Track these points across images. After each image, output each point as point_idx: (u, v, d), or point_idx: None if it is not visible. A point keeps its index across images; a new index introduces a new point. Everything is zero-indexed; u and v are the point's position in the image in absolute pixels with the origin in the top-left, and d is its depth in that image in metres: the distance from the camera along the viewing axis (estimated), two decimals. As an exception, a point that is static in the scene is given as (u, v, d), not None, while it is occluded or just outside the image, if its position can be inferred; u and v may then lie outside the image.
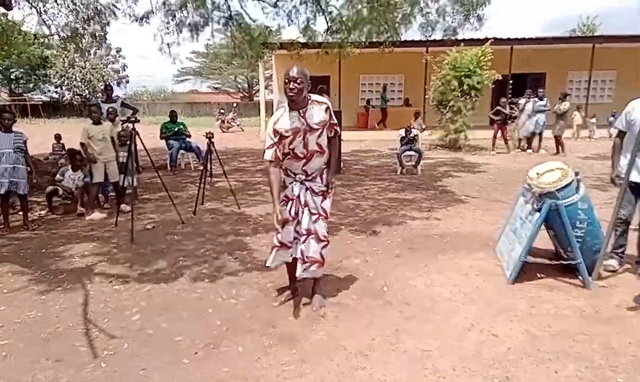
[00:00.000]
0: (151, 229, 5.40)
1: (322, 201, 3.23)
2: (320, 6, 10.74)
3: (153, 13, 10.21)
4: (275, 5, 10.27)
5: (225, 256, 4.50)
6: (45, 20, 9.48)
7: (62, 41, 10.18)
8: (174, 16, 10.08)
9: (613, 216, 3.72)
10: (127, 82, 39.65)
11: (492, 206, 6.31)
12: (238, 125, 21.82)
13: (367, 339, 2.95)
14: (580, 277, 3.70)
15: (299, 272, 3.21)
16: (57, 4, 8.80)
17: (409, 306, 3.39)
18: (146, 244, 4.87)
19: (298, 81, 2.95)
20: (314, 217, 3.20)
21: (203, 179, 6.48)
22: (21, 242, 4.98)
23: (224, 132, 20.39)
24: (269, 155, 3.10)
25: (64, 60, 30.67)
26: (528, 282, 3.75)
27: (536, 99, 11.75)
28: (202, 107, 35.00)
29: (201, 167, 9.46)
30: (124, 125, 7.19)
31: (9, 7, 8.00)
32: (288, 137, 3.06)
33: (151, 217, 5.94)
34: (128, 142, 5.90)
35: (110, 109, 7.63)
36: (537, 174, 3.92)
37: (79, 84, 32.20)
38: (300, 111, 3.05)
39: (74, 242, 4.94)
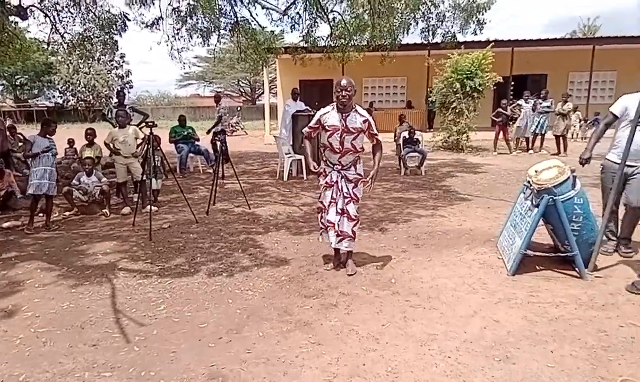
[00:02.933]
0: (167, 228, 5.65)
1: (353, 187, 3.98)
2: (323, 11, 11.01)
3: (162, 19, 10.50)
4: (285, 13, 10.53)
5: (239, 252, 4.74)
6: (58, 28, 9.75)
7: (69, 48, 10.44)
8: (185, 22, 10.34)
9: (608, 207, 3.98)
10: (131, 87, 40.06)
11: (494, 204, 6.54)
12: (242, 129, 22.11)
13: (377, 324, 3.19)
14: (576, 268, 3.92)
15: (334, 243, 4.02)
16: (72, 13, 9.07)
17: (416, 296, 3.63)
18: (164, 242, 5.12)
19: (349, 89, 3.71)
20: (347, 200, 3.96)
21: (215, 180, 6.72)
22: (45, 241, 5.24)
23: (228, 135, 20.65)
24: (305, 131, 4.04)
25: (68, 66, 31.03)
26: (527, 273, 3.97)
27: (540, 100, 11.97)
28: (206, 111, 35.29)
29: (210, 170, 9.82)
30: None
31: (24, 17, 8.28)
32: (329, 131, 3.84)
33: (166, 217, 6.19)
34: (158, 147, 6.24)
35: (121, 113, 7.91)
36: (536, 171, 4.16)
37: (83, 89, 32.56)
38: (343, 114, 3.79)
39: (95, 241, 5.19)
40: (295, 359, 2.79)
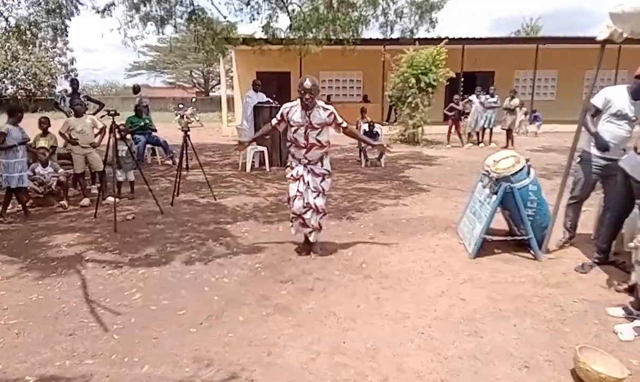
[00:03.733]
0: (132, 220, 5.53)
1: (321, 181, 4.11)
2: (283, 2, 11.01)
3: (115, 5, 10.11)
4: (247, 4, 10.43)
5: (210, 242, 4.74)
6: (1, 11, 9.18)
7: (7, 33, 9.84)
8: (138, 9, 10.03)
9: (559, 198, 4.28)
10: (76, 75, 38.07)
11: (451, 193, 6.88)
12: (197, 120, 21.63)
13: (352, 306, 3.34)
14: (531, 251, 4.25)
15: (301, 232, 4.25)
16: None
17: (387, 279, 3.81)
18: (130, 233, 5.03)
19: (312, 91, 3.83)
20: (314, 194, 4.07)
21: (179, 171, 6.63)
22: (1, 234, 4.99)
23: (189, 127, 20.14)
24: (274, 121, 4.14)
25: (6, 52, 29.05)
26: (487, 256, 4.26)
27: (487, 96, 12.59)
28: (158, 102, 33.99)
29: (169, 162, 9.62)
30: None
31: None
32: (293, 126, 3.98)
33: (129, 208, 6.05)
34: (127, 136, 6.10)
35: (78, 102, 7.60)
36: (494, 161, 4.45)
37: (24, 77, 30.62)
38: (307, 112, 3.92)
39: (57, 233, 5.01)
40: (278, 340, 2.88)
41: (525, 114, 15.46)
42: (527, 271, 3.93)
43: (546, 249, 4.31)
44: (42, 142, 6.50)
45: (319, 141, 4.01)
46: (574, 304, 3.35)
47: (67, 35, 9.79)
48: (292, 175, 4.11)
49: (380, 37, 13.21)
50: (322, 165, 4.13)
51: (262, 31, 11.55)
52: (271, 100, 9.73)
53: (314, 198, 4.08)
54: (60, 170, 6.28)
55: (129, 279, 3.80)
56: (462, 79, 16.36)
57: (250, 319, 3.15)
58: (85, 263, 4.15)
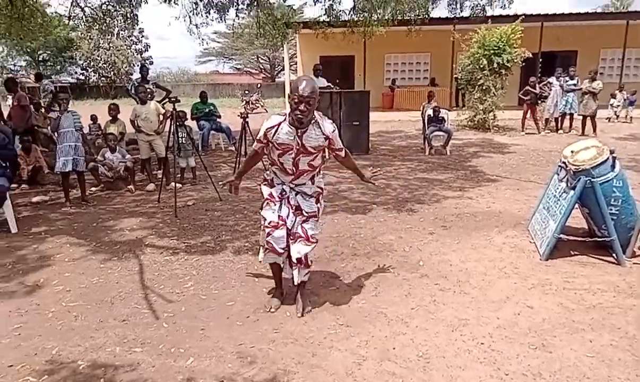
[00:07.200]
0: (192, 206, 5.66)
1: (315, 202, 3.00)
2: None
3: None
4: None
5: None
6: (78, 2, 9.72)
7: (89, 23, 10.39)
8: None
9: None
10: (152, 63, 40.14)
11: (523, 186, 6.35)
12: (262, 106, 21.99)
13: (406, 308, 3.13)
14: (613, 254, 3.78)
15: (288, 274, 3.10)
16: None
17: (445, 279, 3.55)
18: (189, 219, 5.13)
19: (310, 102, 2.63)
20: (303, 218, 2.95)
21: (238, 158, 6.69)
22: (73, 217, 5.31)
23: (249, 113, 20.58)
24: (255, 146, 3.00)
25: (89, 42, 31.20)
26: (561, 258, 3.84)
27: (567, 78, 11.54)
28: (225, 88, 35.14)
29: (232, 148, 9.79)
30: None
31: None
32: (279, 150, 2.82)
33: (190, 194, 6.21)
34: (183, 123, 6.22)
35: (141, 89, 7.88)
36: (572, 151, 3.99)
37: (104, 65, 32.76)
38: (299, 131, 2.73)
39: (122, 217, 5.24)
40: (324, 340, 2.76)
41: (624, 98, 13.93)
42: (607, 278, 3.49)
43: (632, 253, 3.81)
44: (112, 129, 6.83)
45: (311, 166, 2.89)
46: (664, 319, 2.92)
47: (137, 24, 10.19)
48: (270, 195, 2.95)
49: (449, 16, 12.49)
50: (313, 183, 3.00)
51: (325, 14, 11.36)
52: (332, 86, 9.55)
53: (303, 222, 2.95)
54: (127, 156, 6.57)
55: (184, 266, 3.86)
56: (540, 60, 15.16)
57: (297, 316, 3.05)
58: (145, 248, 4.28)
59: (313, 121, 2.75)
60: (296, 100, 2.62)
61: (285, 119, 2.77)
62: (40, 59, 34.20)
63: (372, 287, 3.43)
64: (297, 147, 2.78)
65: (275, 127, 2.79)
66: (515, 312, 3.05)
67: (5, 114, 8.19)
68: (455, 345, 2.69)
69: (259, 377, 2.42)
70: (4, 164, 4.89)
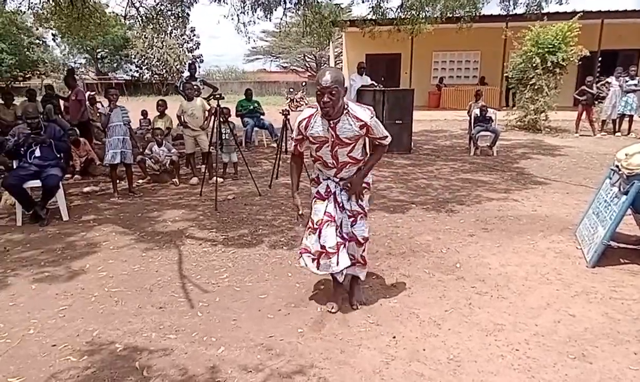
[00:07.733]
0: (232, 200, 5.80)
1: (360, 199, 2.96)
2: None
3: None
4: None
5: (300, 227, 4.74)
6: (133, 2, 10.16)
7: (143, 23, 10.83)
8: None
9: None
10: (202, 61, 41.37)
11: (574, 190, 6.04)
12: (306, 104, 22.14)
13: (439, 309, 3.06)
14: (669, 264, 3.52)
15: (335, 269, 2.90)
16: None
17: (483, 283, 3.43)
18: (228, 212, 5.26)
19: (333, 92, 2.59)
20: (351, 220, 2.95)
21: (278, 155, 6.77)
22: (120, 207, 5.57)
23: (293, 110, 20.82)
24: (292, 145, 3.02)
25: (143, 41, 32.58)
26: (610, 266, 3.63)
27: (627, 78, 10.86)
28: (271, 86, 35.65)
29: (274, 145, 9.92)
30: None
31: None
32: (315, 143, 2.83)
33: (231, 188, 6.35)
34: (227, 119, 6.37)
35: (188, 86, 8.11)
36: (627, 154, 3.74)
37: (157, 63, 34.09)
38: (332, 122, 2.72)
39: (166, 209, 5.44)
40: (353, 337, 2.75)
41: None
42: (661, 289, 3.26)
43: (691, 264, 3.54)
44: (159, 124, 7.09)
45: (353, 158, 2.86)
46: None
47: (188, 23, 10.54)
48: (317, 193, 2.97)
49: (501, 13, 12.05)
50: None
51: (372, 12, 11.27)
52: (375, 84, 9.47)
53: (352, 226, 2.95)
54: (173, 150, 6.80)
55: (220, 258, 3.96)
56: (600, 58, 14.34)
57: (328, 312, 3.05)
58: (185, 239, 4.42)
59: (345, 111, 2.72)
60: (319, 92, 2.62)
61: (317, 111, 2.77)
62: (98, 56, 36.12)
63: (405, 287, 3.38)
64: (332, 139, 2.77)
65: (307, 119, 2.81)
66: (555, 319, 2.90)
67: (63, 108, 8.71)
68: (489, 350, 2.60)
69: (285, 369, 2.44)
70: (58, 155, 5.19)
